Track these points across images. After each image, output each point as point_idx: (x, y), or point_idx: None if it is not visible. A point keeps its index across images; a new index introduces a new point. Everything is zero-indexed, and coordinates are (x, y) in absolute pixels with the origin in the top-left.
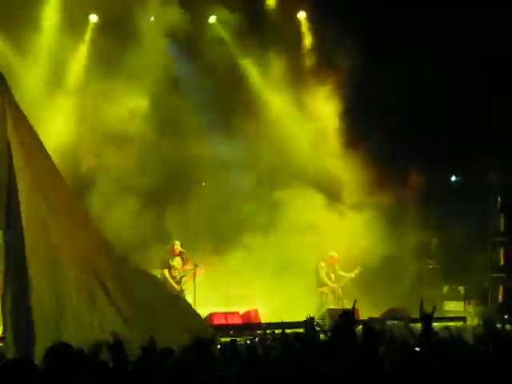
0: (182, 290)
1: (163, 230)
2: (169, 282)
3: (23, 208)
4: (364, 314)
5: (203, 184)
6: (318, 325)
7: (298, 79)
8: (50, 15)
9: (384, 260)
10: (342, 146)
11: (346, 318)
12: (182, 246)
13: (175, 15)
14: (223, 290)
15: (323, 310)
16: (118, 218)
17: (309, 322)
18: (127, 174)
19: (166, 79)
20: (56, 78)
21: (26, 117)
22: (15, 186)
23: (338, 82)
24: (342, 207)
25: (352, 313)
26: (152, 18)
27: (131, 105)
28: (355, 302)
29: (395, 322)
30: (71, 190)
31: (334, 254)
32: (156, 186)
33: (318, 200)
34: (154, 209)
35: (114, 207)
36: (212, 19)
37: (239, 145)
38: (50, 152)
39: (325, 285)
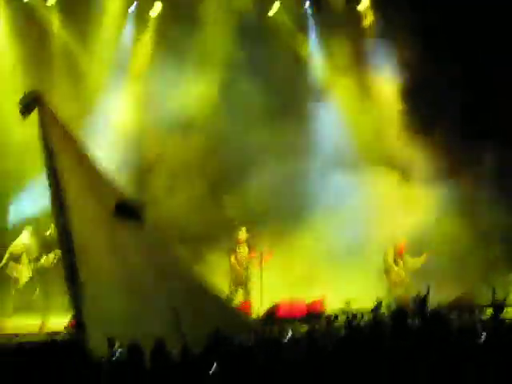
0: (248, 278)
1: (228, 218)
2: (235, 269)
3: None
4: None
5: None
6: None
7: (361, 63)
8: (114, 3)
9: (453, 243)
10: (410, 126)
11: (419, 303)
12: (247, 232)
13: (240, 2)
14: (290, 277)
15: (390, 297)
16: (183, 205)
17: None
18: (192, 162)
19: (232, 66)
20: (120, 67)
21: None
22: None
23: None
24: (412, 188)
25: (425, 298)
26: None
27: (198, 92)
28: (429, 287)
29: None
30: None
31: (402, 241)
32: (220, 174)
33: (388, 180)
34: (218, 196)
35: (179, 195)
36: (276, 5)
37: (304, 129)
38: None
39: (392, 271)
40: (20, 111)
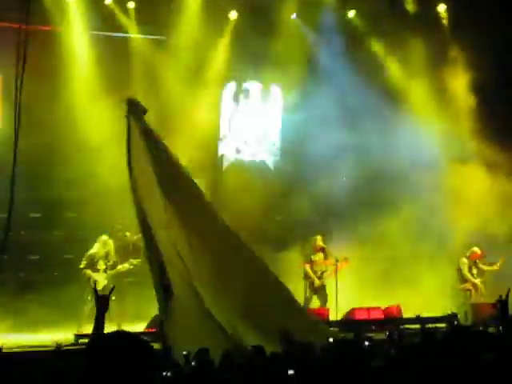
0: (323, 286)
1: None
2: (310, 277)
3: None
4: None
5: (344, 179)
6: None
7: (435, 63)
8: (192, 11)
9: None
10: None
11: (501, 307)
12: (323, 240)
13: (317, 10)
14: (366, 286)
15: (466, 306)
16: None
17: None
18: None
19: (309, 72)
20: (197, 73)
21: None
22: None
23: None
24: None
25: (506, 302)
26: (294, 15)
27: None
28: (509, 290)
29: None
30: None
31: (477, 249)
32: (298, 174)
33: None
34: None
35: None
36: (351, 13)
37: (382, 130)
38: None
39: (467, 281)
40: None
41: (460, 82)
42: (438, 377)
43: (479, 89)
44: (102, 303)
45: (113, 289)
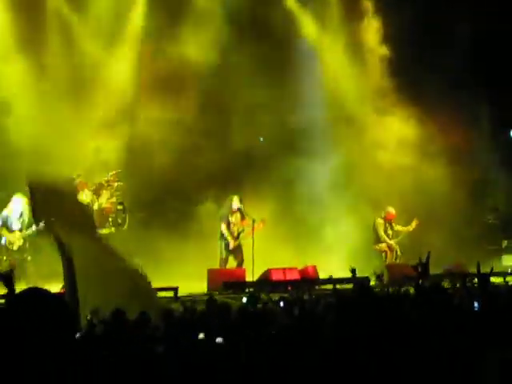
0: (239, 246)
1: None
2: (227, 237)
3: None
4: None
5: (261, 139)
6: (378, 278)
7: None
8: None
9: (443, 208)
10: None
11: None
12: (241, 201)
13: None
14: (281, 247)
15: (381, 267)
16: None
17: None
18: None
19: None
20: (116, 29)
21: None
22: None
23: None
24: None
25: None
26: None
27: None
28: (429, 253)
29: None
30: None
31: (392, 209)
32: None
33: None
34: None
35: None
36: None
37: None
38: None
39: (383, 242)
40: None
41: (374, 35)
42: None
43: (393, 39)
44: (7, 282)
45: (12, 271)
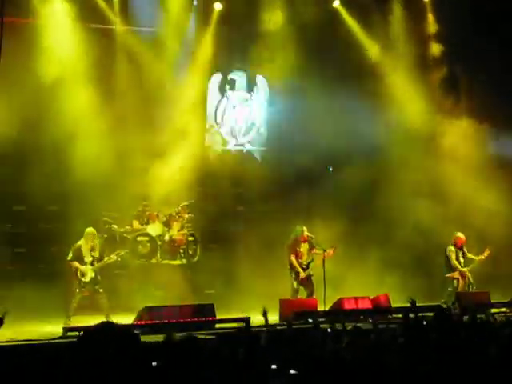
0: (309, 276)
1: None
2: (296, 267)
3: None
4: (494, 298)
5: (331, 169)
6: (448, 310)
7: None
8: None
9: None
10: None
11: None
12: (308, 230)
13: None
14: (354, 276)
15: (453, 295)
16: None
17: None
18: None
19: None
20: (183, 64)
21: None
22: None
23: None
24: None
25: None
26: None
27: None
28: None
29: None
30: None
31: (460, 234)
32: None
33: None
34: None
35: None
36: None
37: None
38: None
39: (455, 270)
40: None
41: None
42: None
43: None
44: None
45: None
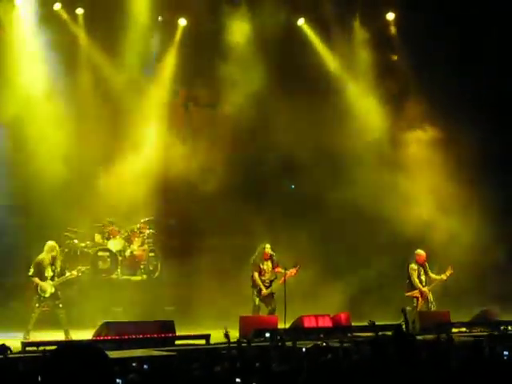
0: (271, 294)
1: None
2: (258, 284)
3: None
4: (454, 317)
5: (292, 187)
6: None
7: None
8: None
9: (472, 252)
10: None
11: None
12: (272, 249)
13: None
14: (312, 294)
15: (413, 313)
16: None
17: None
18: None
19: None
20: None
21: None
22: None
23: None
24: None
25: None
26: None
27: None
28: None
29: None
30: None
31: (421, 251)
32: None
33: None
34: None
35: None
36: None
37: None
38: None
39: (415, 288)
40: None
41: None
42: None
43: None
44: None
45: None
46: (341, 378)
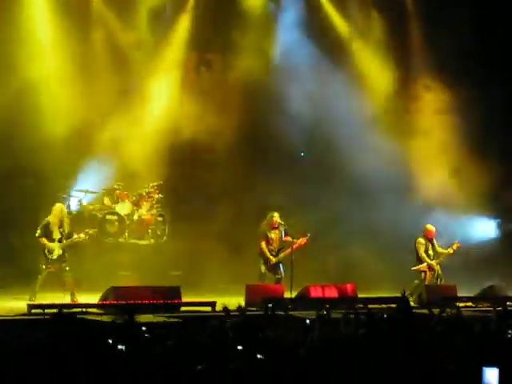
0: (278, 263)
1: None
2: (265, 253)
3: None
4: (463, 292)
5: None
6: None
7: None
8: None
9: None
10: None
11: None
12: (280, 217)
13: None
14: (320, 264)
15: (421, 287)
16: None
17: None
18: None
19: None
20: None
21: None
22: None
23: None
24: None
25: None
26: None
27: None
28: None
29: None
30: None
31: (430, 226)
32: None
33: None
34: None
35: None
36: None
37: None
38: None
39: (423, 262)
40: None
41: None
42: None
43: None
44: None
45: None
46: (343, 350)
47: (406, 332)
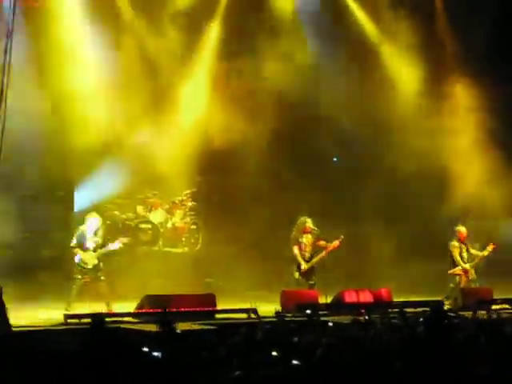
0: (312, 268)
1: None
2: (298, 259)
3: None
4: (499, 295)
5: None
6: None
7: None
8: None
9: None
10: None
11: None
12: (312, 222)
13: None
14: (355, 268)
15: (456, 290)
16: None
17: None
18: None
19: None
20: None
21: None
22: None
23: None
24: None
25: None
26: None
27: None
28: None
29: None
30: None
31: (462, 228)
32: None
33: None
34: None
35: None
36: None
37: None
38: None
39: (458, 266)
40: None
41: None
42: None
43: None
44: None
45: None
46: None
47: (441, 335)
